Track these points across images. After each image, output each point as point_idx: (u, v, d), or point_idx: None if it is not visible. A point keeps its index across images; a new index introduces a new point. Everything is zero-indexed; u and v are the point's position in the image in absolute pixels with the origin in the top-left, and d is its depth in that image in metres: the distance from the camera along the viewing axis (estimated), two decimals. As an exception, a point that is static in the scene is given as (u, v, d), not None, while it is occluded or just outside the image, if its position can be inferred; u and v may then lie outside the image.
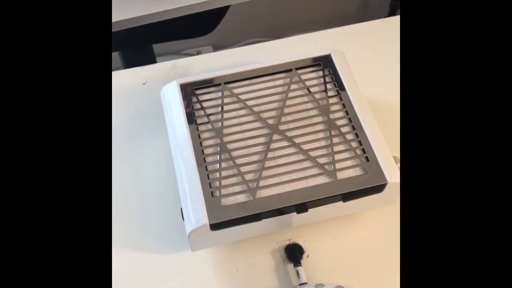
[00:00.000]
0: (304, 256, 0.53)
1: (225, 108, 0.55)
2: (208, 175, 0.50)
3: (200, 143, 0.52)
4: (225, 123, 0.53)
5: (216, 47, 1.39)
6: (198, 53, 1.37)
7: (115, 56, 0.92)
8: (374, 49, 0.71)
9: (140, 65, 0.71)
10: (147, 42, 0.94)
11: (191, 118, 0.53)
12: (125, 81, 0.68)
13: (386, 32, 0.73)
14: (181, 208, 0.49)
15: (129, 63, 0.92)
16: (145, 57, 0.94)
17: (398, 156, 0.51)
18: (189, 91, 0.56)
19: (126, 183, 0.59)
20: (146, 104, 0.65)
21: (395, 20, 0.76)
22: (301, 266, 0.51)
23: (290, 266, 0.53)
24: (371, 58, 0.70)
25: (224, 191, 0.48)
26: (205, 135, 0.52)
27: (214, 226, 0.47)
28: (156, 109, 0.63)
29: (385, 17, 0.76)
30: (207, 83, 0.56)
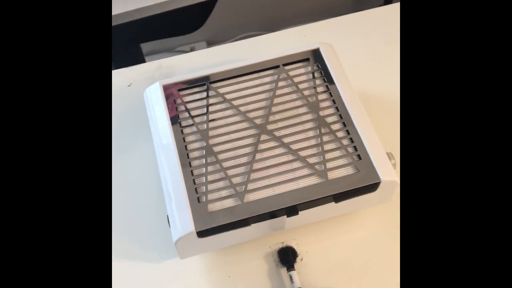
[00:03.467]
0: (298, 259, 0.51)
1: (211, 108, 0.53)
2: (194, 180, 0.48)
3: (185, 146, 0.50)
4: (211, 124, 0.51)
5: (210, 43, 1.37)
6: (192, 49, 1.35)
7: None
8: (369, 40, 0.69)
9: (129, 65, 0.69)
10: (136, 41, 0.92)
11: (175, 120, 0.51)
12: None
13: (382, 21, 0.71)
14: (167, 215, 0.47)
15: (117, 64, 0.90)
16: (134, 57, 0.92)
17: (393, 152, 0.49)
18: (173, 92, 0.54)
19: (114, 188, 0.57)
20: (131, 107, 0.63)
21: (392, 8, 0.73)
22: (294, 270, 0.50)
23: (283, 270, 0.51)
24: (366, 50, 0.68)
25: (210, 196, 0.47)
26: (190, 138, 0.50)
27: (201, 233, 0.45)
28: (141, 111, 0.61)
29: (380, 5, 0.73)
30: (191, 83, 0.54)
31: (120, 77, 0.67)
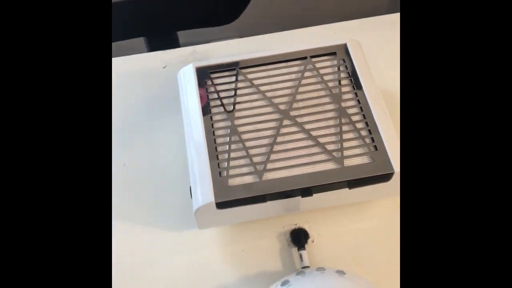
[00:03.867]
0: (309, 241, 0.54)
1: (238, 92, 0.56)
2: (217, 155, 0.51)
3: (212, 124, 0.53)
4: (237, 106, 0.54)
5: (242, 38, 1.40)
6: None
7: (140, 42, 0.94)
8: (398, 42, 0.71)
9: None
10: (173, 28, 0.95)
11: (204, 100, 0.55)
12: (146, 64, 0.70)
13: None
14: (190, 187, 0.51)
15: (152, 48, 0.94)
16: (169, 44, 0.96)
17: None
18: (205, 74, 0.57)
19: (142, 160, 0.60)
20: (165, 87, 0.67)
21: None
22: (305, 250, 0.52)
23: (295, 250, 0.53)
24: (394, 51, 0.70)
25: (231, 172, 0.50)
26: (217, 117, 0.54)
27: (220, 205, 0.48)
28: (174, 91, 0.65)
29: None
30: (223, 67, 0.58)
31: (155, 59, 0.71)
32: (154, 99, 0.66)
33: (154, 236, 0.55)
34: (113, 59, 0.71)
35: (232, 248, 0.54)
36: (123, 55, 0.72)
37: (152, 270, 0.53)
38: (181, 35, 1.02)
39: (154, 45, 0.95)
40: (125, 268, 0.53)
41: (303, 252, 0.52)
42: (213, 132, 0.52)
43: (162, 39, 0.96)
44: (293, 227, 0.55)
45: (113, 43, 0.97)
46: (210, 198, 0.48)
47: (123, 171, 0.60)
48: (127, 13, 0.89)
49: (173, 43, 0.97)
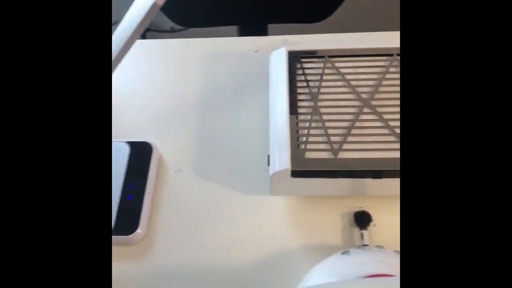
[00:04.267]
0: (371, 224, 0.57)
1: (324, 77, 0.60)
2: (297, 130, 0.55)
3: (296, 102, 0.58)
4: (322, 90, 0.59)
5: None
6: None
7: (233, 29, 1.01)
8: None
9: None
10: (263, 21, 1.02)
11: (292, 79, 0.60)
12: (239, 47, 0.76)
13: None
14: (268, 155, 0.55)
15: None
16: (258, 34, 1.02)
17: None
18: (295, 58, 0.62)
19: (226, 128, 0.66)
20: (254, 68, 0.73)
21: None
22: (366, 230, 0.55)
23: (356, 230, 0.56)
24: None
25: (309, 146, 0.54)
26: (301, 97, 0.58)
27: (295, 173, 0.52)
28: (262, 73, 0.70)
29: None
30: (312, 54, 0.62)
31: (248, 44, 0.77)
32: (244, 78, 0.72)
33: (228, 196, 0.61)
34: (210, 39, 0.78)
35: (297, 218, 0.58)
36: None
37: (221, 225, 0.58)
38: (270, 28, 1.08)
39: (245, 34, 1.02)
40: (195, 219, 0.59)
41: (364, 232, 0.55)
42: (297, 109, 0.57)
43: (253, 29, 1.02)
44: (358, 209, 0.58)
45: (210, 28, 1.05)
46: (287, 165, 0.52)
47: (208, 136, 0.66)
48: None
49: (263, 34, 1.03)
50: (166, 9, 1.02)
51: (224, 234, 0.58)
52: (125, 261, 0.56)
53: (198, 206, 0.60)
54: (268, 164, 0.55)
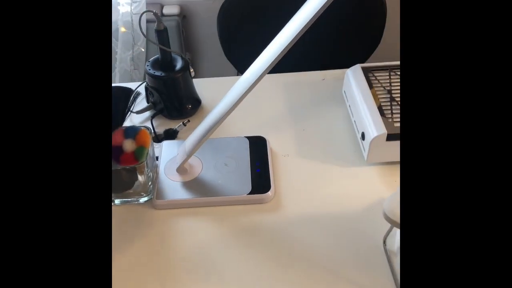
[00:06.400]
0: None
1: (391, 81, 0.83)
2: (383, 111, 0.77)
3: (377, 94, 0.80)
4: (393, 88, 0.81)
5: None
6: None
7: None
8: None
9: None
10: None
11: (369, 82, 0.82)
12: (310, 78, 1.00)
13: None
14: (362, 132, 0.76)
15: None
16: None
17: None
18: (367, 71, 0.86)
19: (314, 129, 0.87)
20: (324, 90, 0.96)
21: None
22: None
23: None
24: None
25: (395, 120, 0.75)
26: (379, 91, 0.81)
27: (390, 137, 0.73)
28: (332, 93, 0.93)
29: None
30: (380, 68, 0.86)
31: (316, 75, 1.01)
32: (319, 97, 0.95)
33: (328, 171, 0.79)
34: (292, 73, 1.02)
35: (386, 180, 0.77)
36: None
37: (324, 188, 0.76)
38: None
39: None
40: (303, 186, 0.77)
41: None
42: (379, 99, 0.79)
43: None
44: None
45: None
46: (383, 130, 0.73)
47: (302, 133, 0.86)
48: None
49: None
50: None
51: (328, 191, 0.75)
52: (264, 215, 0.73)
53: (305, 177, 0.78)
54: (363, 139, 0.75)
